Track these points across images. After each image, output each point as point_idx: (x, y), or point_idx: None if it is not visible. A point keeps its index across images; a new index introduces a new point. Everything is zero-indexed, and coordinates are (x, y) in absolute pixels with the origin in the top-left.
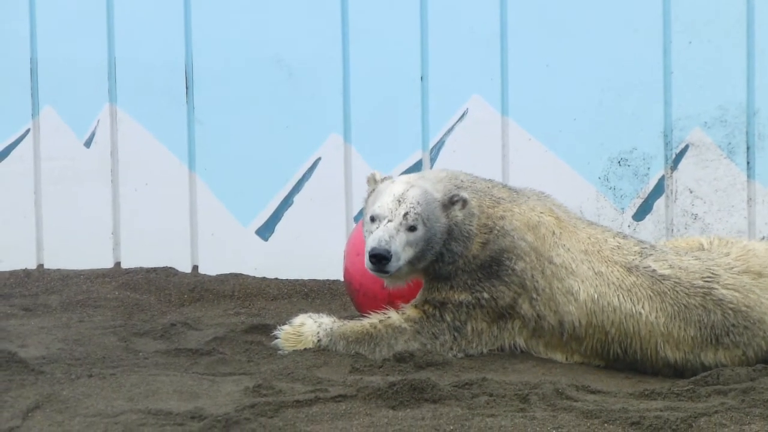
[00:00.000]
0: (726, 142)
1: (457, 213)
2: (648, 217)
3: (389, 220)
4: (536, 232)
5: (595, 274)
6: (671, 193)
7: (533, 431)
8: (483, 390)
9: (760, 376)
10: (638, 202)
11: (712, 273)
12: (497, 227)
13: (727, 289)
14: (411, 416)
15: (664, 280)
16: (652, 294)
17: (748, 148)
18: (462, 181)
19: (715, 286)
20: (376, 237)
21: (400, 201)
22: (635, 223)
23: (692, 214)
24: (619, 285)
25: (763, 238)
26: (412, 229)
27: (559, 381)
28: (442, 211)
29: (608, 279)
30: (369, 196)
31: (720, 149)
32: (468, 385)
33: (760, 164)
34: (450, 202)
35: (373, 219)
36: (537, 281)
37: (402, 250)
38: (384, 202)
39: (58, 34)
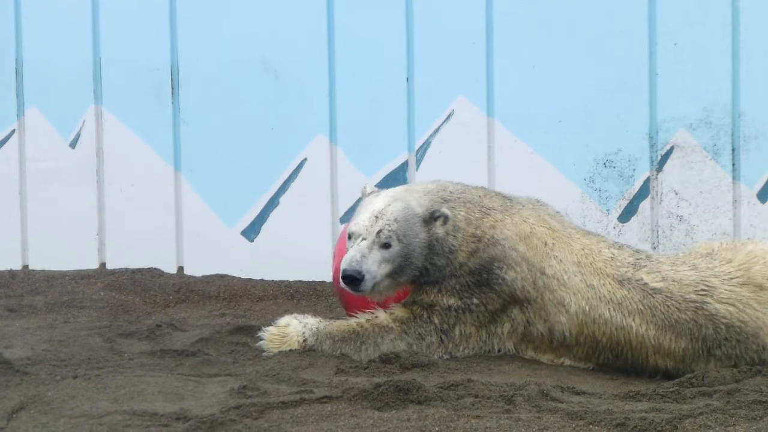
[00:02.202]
0: (711, 144)
1: (438, 229)
2: (633, 218)
3: (363, 238)
4: (528, 242)
5: (587, 286)
6: (656, 194)
7: None
8: (468, 391)
9: (745, 377)
10: (623, 203)
11: (707, 286)
12: (487, 236)
13: (722, 303)
14: (396, 417)
15: (655, 293)
16: (642, 308)
17: (733, 150)
18: (451, 192)
19: (709, 300)
20: (348, 257)
21: (377, 217)
22: (620, 224)
23: (677, 215)
24: (610, 298)
25: (748, 239)
26: (386, 246)
27: (545, 382)
28: (422, 227)
29: (599, 292)
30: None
31: (705, 151)
32: (453, 387)
33: (745, 166)
34: (431, 218)
35: (350, 236)
36: (528, 291)
37: (377, 267)
38: (361, 219)
39: (44, 34)
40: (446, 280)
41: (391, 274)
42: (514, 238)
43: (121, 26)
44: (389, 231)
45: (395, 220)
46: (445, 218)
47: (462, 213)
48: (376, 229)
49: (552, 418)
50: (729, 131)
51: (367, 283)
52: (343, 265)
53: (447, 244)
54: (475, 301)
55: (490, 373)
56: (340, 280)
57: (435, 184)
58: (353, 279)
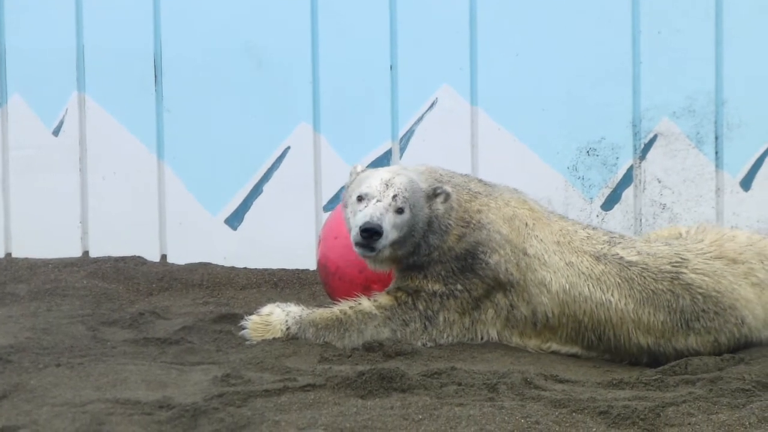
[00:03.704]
0: (694, 132)
1: (439, 206)
2: (616, 206)
3: (378, 200)
4: (511, 224)
5: (566, 264)
6: (639, 182)
7: (501, 420)
8: (452, 379)
9: (728, 365)
10: (607, 191)
11: (681, 258)
12: (474, 221)
13: (697, 273)
14: (380, 405)
15: (631, 266)
16: (620, 281)
17: (716, 138)
18: (441, 175)
19: (684, 270)
20: (368, 213)
21: (388, 185)
22: (603, 212)
23: (660, 203)
24: (589, 274)
25: (732, 227)
26: (399, 211)
27: (528, 370)
28: (425, 202)
29: (578, 269)
30: (350, 184)
31: (688, 139)
32: (437, 375)
33: (729, 154)
34: (433, 194)
35: (360, 198)
36: (511, 274)
37: (390, 230)
38: (372, 183)
39: (27, 21)
40: (432, 266)
41: (394, 244)
42: (498, 221)
43: (105, 13)
44: (403, 197)
45: (406, 189)
46: (447, 195)
47: (453, 195)
48: (391, 194)
49: (535, 406)
50: (712, 119)
51: (382, 242)
52: (364, 218)
53: (444, 222)
54: (459, 287)
55: (474, 361)
56: (356, 236)
57: (425, 167)
58: (374, 234)
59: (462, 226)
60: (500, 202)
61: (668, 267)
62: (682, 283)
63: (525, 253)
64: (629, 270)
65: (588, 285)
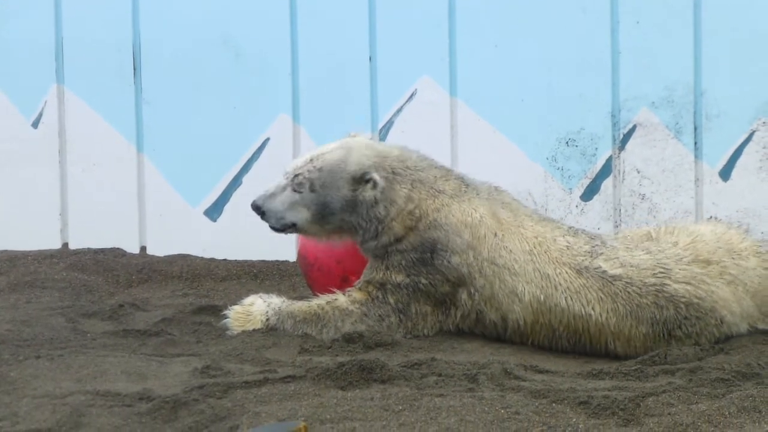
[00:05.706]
0: (674, 123)
1: (367, 192)
2: (596, 197)
3: (285, 177)
4: (475, 231)
5: (542, 276)
6: (619, 173)
7: (482, 411)
8: (432, 370)
9: (708, 355)
10: (586, 182)
11: (664, 268)
12: (429, 218)
13: (679, 283)
14: (360, 396)
15: (615, 281)
16: (603, 296)
17: (695, 129)
18: (407, 167)
19: (668, 282)
20: (263, 191)
21: (311, 160)
22: (583, 203)
23: (640, 194)
24: (567, 287)
25: (711, 218)
26: (299, 188)
27: (508, 361)
28: (348, 184)
29: (555, 281)
30: None
31: (667, 129)
32: (417, 366)
33: (708, 144)
34: (361, 179)
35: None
36: (474, 278)
37: (287, 209)
38: (300, 158)
39: (5, 13)
40: (393, 256)
41: (314, 221)
42: (459, 225)
43: (84, 5)
44: (304, 178)
45: (320, 168)
46: (374, 183)
47: (404, 190)
48: (296, 172)
49: (515, 397)
50: (691, 110)
51: (270, 220)
52: (255, 198)
53: (374, 211)
54: (423, 281)
55: (454, 351)
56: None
57: (399, 151)
58: (256, 210)
59: (410, 219)
60: (465, 206)
61: (652, 279)
62: (667, 294)
63: (493, 263)
64: (613, 285)
65: (566, 297)
